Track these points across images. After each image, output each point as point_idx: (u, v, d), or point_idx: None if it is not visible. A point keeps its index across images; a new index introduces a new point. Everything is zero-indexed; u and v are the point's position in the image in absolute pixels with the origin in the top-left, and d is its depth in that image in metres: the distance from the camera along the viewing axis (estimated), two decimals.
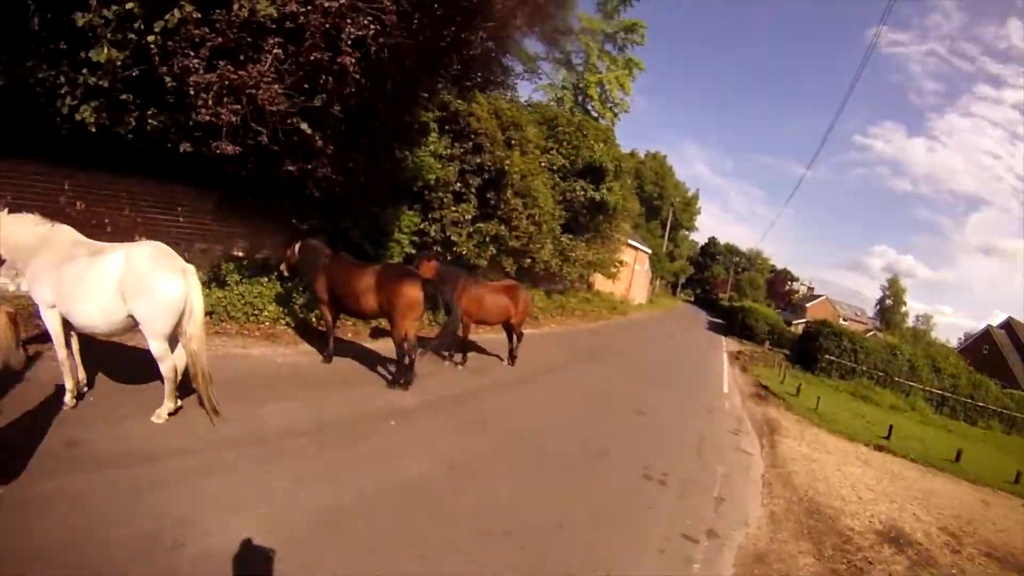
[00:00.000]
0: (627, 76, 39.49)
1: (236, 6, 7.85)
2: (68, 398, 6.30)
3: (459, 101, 15.42)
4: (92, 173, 9.73)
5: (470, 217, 16.46)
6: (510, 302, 11.89)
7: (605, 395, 12.68)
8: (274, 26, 8.18)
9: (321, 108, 9.08)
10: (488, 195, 17.13)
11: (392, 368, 9.61)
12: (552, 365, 14.07)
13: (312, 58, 8.49)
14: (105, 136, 8.65)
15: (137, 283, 5.98)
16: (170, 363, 6.31)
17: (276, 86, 8.41)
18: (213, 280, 10.61)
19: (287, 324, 10.97)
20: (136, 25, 7.65)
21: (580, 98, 38.57)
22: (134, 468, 5.44)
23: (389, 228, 14.32)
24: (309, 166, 9.87)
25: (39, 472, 5.04)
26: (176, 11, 7.60)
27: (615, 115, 39.71)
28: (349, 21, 8.49)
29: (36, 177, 9.44)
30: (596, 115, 37.66)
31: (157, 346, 6.19)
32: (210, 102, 8.19)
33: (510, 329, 12.37)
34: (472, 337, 12.28)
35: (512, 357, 12.56)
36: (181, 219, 10.79)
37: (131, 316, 6.10)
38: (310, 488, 5.80)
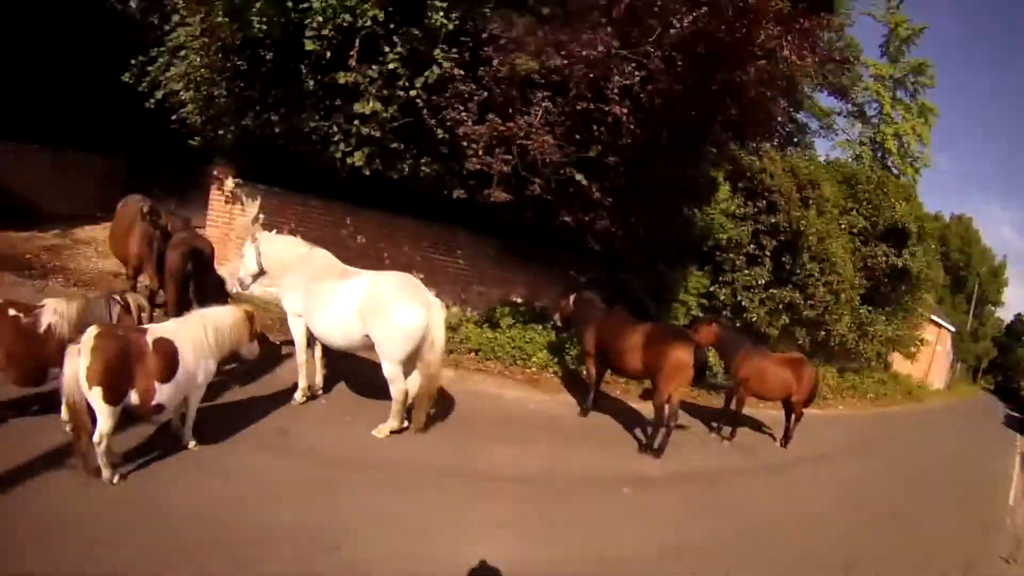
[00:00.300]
0: (923, 125, 34.69)
1: (495, 62, 8.17)
2: (298, 395, 7.38)
3: (750, 157, 14.33)
4: (373, 212, 10.76)
5: (763, 282, 14.95)
6: (793, 377, 10.36)
7: (867, 493, 10.45)
8: (541, 80, 8.28)
9: (596, 159, 8.83)
10: (783, 258, 15.52)
11: (649, 432, 8.75)
12: (823, 452, 12.00)
13: (578, 108, 8.31)
14: (381, 180, 9.48)
15: (376, 308, 6.64)
16: (400, 386, 6.86)
17: (547, 137, 8.28)
18: (486, 321, 10.95)
19: (554, 373, 10.79)
20: (401, 83, 8.46)
21: (879, 153, 34.61)
22: (331, 469, 6.12)
23: (675, 288, 13.53)
24: (587, 218, 9.58)
25: (243, 445, 6.24)
26: (435, 68, 8.30)
27: (916, 170, 34.92)
28: (613, 69, 8.14)
29: (320, 211, 10.89)
30: (896, 171, 33.46)
31: (389, 368, 6.79)
32: (480, 152, 8.41)
33: (789, 407, 10.77)
34: (749, 411, 11.08)
35: (786, 439, 10.94)
36: (461, 261, 11.31)
37: (367, 336, 6.72)
38: (508, 535, 5.58)
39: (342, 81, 8.39)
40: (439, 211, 10.65)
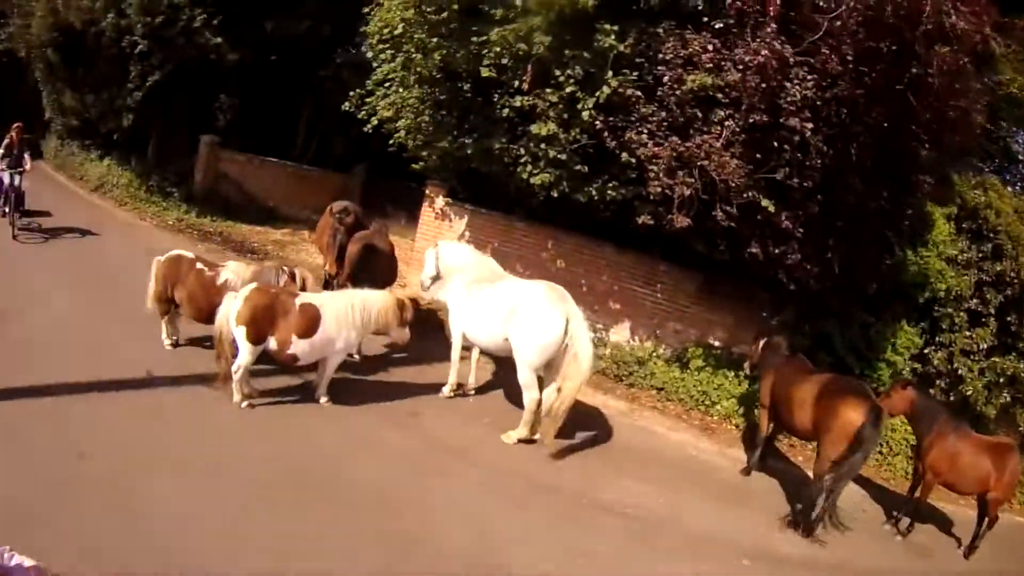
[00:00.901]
0: None
1: (666, 79, 7.98)
2: (446, 389, 7.96)
3: (974, 191, 11.39)
4: (573, 237, 10.66)
5: (985, 347, 11.40)
6: (993, 467, 7.61)
7: None
8: (717, 96, 7.87)
9: (781, 183, 7.97)
10: (1008, 318, 11.67)
11: (800, 507, 7.22)
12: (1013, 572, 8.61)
13: (752, 121, 7.68)
14: (575, 206, 9.61)
15: (516, 313, 6.93)
16: (533, 395, 6.99)
17: (727, 156, 7.66)
18: (676, 360, 10.24)
19: (735, 425, 9.53)
20: (580, 105, 8.48)
21: None
22: (441, 455, 6.66)
23: (881, 343, 10.95)
24: (777, 250, 8.53)
25: (370, 415, 7.20)
26: (605, 88, 8.26)
27: None
28: (785, 77, 7.51)
29: (522, 232, 11.09)
30: None
31: (523, 374, 6.98)
32: (661, 175, 8.08)
33: (984, 505, 7.93)
34: (936, 501, 8.39)
35: (971, 546, 8.00)
36: (659, 295, 10.62)
37: (508, 340, 7.02)
38: (579, 564, 5.39)
39: (518, 104, 8.77)
40: (632, 241, 10.30)
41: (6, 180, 12.50)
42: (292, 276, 7.85)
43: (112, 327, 8.19)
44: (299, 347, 6.66)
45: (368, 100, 11.70)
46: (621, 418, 8.51)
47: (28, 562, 2.02)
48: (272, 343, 6.63)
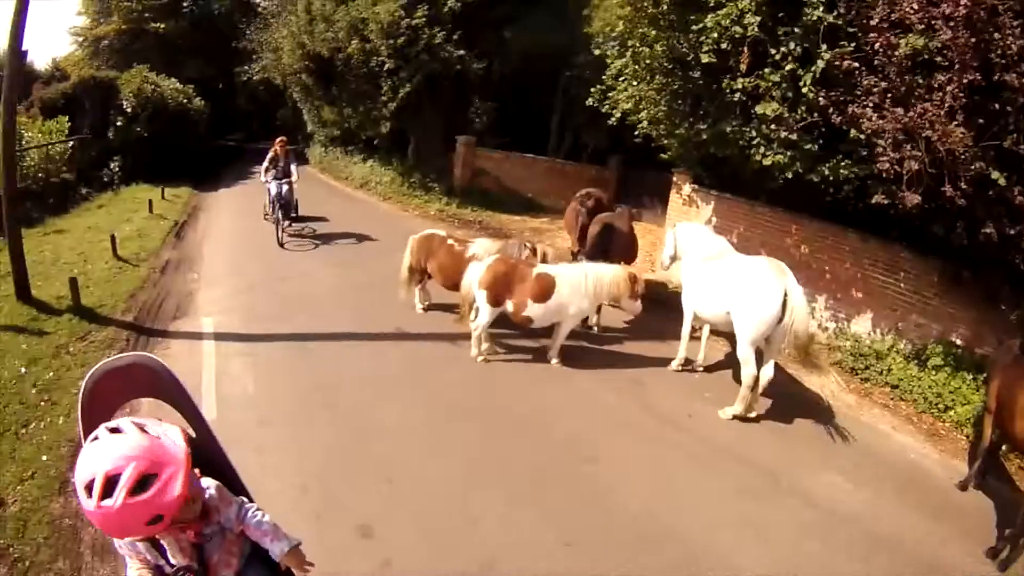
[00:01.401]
0: None
1: (878, 46, 7.55)
2: (674, 363, 8.38)
3: None
4: (815, 222, 10.41)
5: None
6: None
7: None
8: (933, 58, 7.29)
9: (1010, 151, 7.05)
10: None
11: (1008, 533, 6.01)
12: None
13: (965, 81, 6.96)
14: (812, 188, 9.46)
15: (736, 287, 7.12)
16: (750, 370, 7.07)
17: (951, 125, 7.02)
18: (915, 357, 9.24)
19: (966, 436, 8.08)
20: (801, 83, 8.31)
21: None
22: (651, 419, 7.17)
23: None
24: (1012, 231, 7.49)
25: (593, 379, 8.00)
26: (819, 62, 8.15)
27: None
28: (995, 27, 6.77)
29: (766, 218, 11.12)
30: None
31: (742, 348, 7.10)
32: (888, 149, 7.67)
33: None
34: None
35: None
36: (901, 284, 9.74)
37: (728, 314, 7.21)
38: (760, 545, 5.37)
39: (740, 87, 8.92)
40: (865, 224, 9.81)
41: (273, 190, 13.86)
42: (533, 250, 8.99)
43: (372, 294, 10.48)
44: (533, 311, 7.77)
45: (609, 95, 12.39)
46: (847, 411, 8.13)
47: (174, 429, 2.33)
48: (509, 306, 7.84)
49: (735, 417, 7.22)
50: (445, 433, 6.54)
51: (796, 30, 8.26)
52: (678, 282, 9.22)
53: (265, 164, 14.22)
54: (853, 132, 8.15)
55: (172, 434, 2.25)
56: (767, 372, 7.15)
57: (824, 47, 8.06)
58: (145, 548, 2.49)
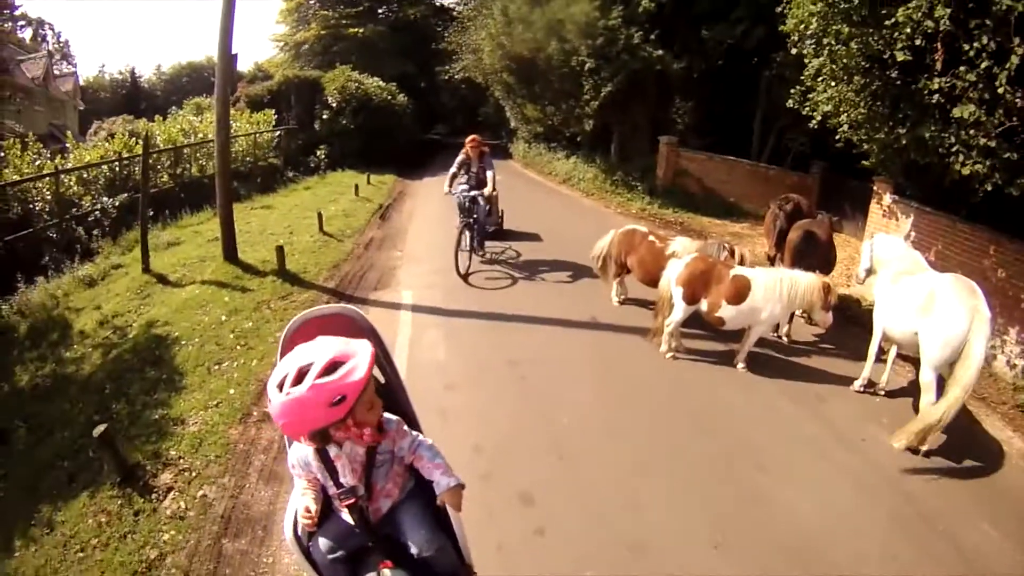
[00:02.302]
0: None
1: None
2: (857, 383, 7.93)
3: None
4: (1017, 243, 9.24)
5: None
6: None
7: None
8: None
9: None
10: None
11: None
12: None
13: None
14: (1008, 200, 8.77)
15: (925, 305, 6.74)
16: (929, 398, 6.64)
17: None
18: None
19: None
20: (997, 83, 7.75)
21: None
22: (823, 436, 6.87)
23: None
24: None
25: (772, 391, 7.76)
26: (1013, 58, 7.46)
27: None
28: None
29: (965, 236, 10.16)
30: None
31: (924, 373, 6.71)
32: None
33: None
34: None
35: None
36: None
37: (916, 334, 6.84)
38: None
39: (935, 87, 8.46)
40: None
41: (462, 210, 11.21)
42: (732, 252, 9.03)
43: (569, 287, 11.05)
44: (727, 312, 7.85)
45: (809, 96, 12.02)
46: (1020, 461, 7.25)
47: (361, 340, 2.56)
48: (704, 305, 7.99)
49: (907, 448, 6.75)
50: (622, 419, 6.90)
51: (987, 22, 7.70)
52: (872, 299, 8.75)
53: (452, 170, 11.38)
54: None
55: (359, 342, 2.54)
56: (950, 404, 6.49)
57: (1017, 40, 7.48)
58: (318, 468, 2.73)
